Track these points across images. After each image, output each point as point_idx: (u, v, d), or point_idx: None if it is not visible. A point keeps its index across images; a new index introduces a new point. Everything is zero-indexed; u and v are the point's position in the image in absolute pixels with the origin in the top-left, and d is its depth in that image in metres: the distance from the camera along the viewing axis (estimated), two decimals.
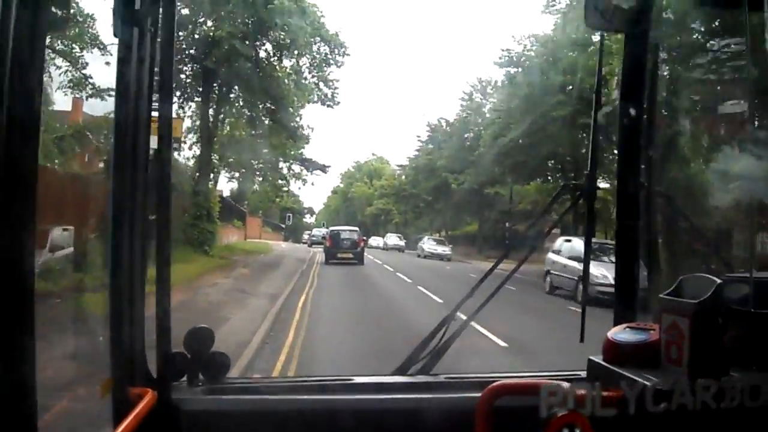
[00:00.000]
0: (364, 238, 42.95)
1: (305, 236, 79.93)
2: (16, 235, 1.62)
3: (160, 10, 2.63)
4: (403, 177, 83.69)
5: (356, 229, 41.89)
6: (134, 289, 2.66)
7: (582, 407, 1.91)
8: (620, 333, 2.34)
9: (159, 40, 2.65)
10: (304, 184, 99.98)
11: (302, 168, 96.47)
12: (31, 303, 1.67)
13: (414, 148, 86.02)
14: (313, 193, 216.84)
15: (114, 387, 2.58)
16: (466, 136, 63.89)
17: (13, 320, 1.62)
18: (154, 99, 2.70)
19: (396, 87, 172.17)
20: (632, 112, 3.27)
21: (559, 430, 1.92)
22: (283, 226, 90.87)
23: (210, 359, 2.89)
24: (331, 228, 44.55)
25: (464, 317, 3.30)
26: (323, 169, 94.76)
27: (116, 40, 2.58)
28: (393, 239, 68.90)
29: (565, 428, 1.92)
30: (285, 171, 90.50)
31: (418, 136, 76.81)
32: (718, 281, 2.11)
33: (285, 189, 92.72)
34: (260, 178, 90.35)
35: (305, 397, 2.96)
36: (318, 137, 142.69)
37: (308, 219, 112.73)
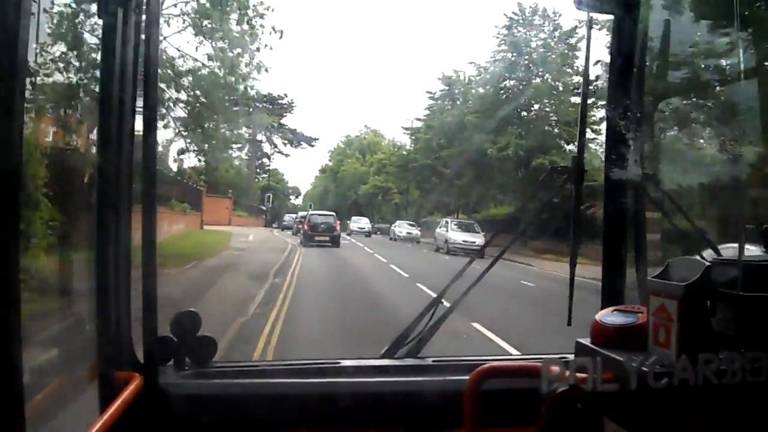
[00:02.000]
0: (339, 221, 44.08)
1: (286, 218, 69.01)
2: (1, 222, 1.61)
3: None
4: (409, 146, 70.26)
5: (333, 213, 44.17)
6: (120, 274, 2.65)
7: (583, 384, 1.92)
8: (608, 316, 2.34)
9: (144, 18, 2.62)
10: (286, 158, 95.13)
11: (285, 141, 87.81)
12: (16, 287, 1.65)
13: (423, 107, 72.29)
14: (300, 171, 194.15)
15: (101, 372, 2.57)
16: (505, 84, 47.68)
17: None
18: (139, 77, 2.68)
19: (389, 53, 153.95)
20: (621, 94, 3.27)
21: (560, 405, 1.92)
22: (264, 208, 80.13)
23: (197, 343, 2.89)
24: (310, 212, 45.56)
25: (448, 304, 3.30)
26: (310, 142, 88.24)
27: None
28: (404, 228, 54.05)
29: (565, 402, 1.92)
30: (265, 143, 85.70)
31: (429, 92, 62.24)
32: (707, 264, 2.11)
33: (266, 167, 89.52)
34: (233, 152, 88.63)
35: (293, 380, 2.95)
36: (304, 110, 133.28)
37: (294, 200, 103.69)
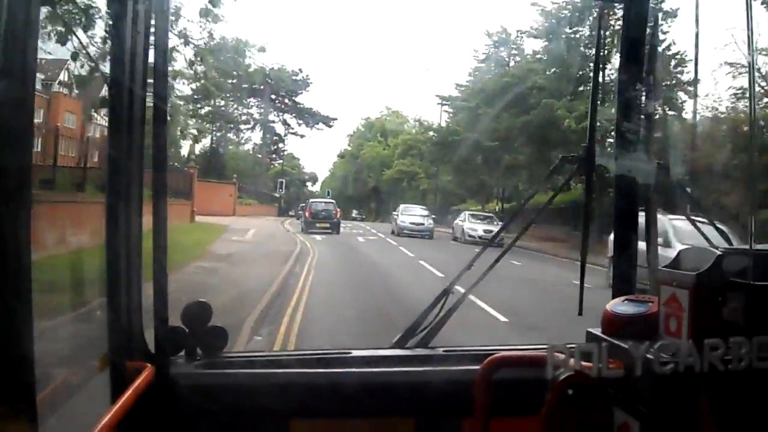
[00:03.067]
0: (338, 209, 45.41)
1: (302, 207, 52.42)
2: (13, 213, 1.61)
3: None
4: (444, 121, 60.06)
5: (333, 201, 46.52)
6: (131, 264, 2.65)
7: (588, 370, 1.92)
8: (619, 305, 2.33)
9: (154, 5, 2.62)
10: (301, 138, 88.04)
11: (299, 120, 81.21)
12: (28, 277, 1.66)
13: (466, 72, 68.88)
14: (317, 155, 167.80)
15: (112, 362, 2.58)
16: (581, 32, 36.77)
17: (10, 295, 1.61)
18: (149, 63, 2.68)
19: (409, 28, 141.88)
20: (632, 82, 3.25)
21: (565, 390, 1.92)
22: (277, 195, 72.55)
23: (208, 334, 2.89)
24: (311, 200, 46.80)
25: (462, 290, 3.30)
26: (327, 122, 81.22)
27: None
28: (411, 213, 42.34)
29: (570, 388, 1.92)
30: (278, 123, 79.82)
31: (476, 51, 57.26)
32: (718, 253, 2.10)
33: (280, 151, 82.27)
34: (242, 133, 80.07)
35: (304, 370, 2.96)
36: (321, 88, 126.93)
37: (311, 187, 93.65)
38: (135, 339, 2.71)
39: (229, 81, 70.35)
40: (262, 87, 74.26)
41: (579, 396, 1.93)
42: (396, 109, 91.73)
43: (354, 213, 75.39)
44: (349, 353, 3.12)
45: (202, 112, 67.28)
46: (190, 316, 2.87)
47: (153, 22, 2.63)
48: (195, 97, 61.59)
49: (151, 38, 2.64)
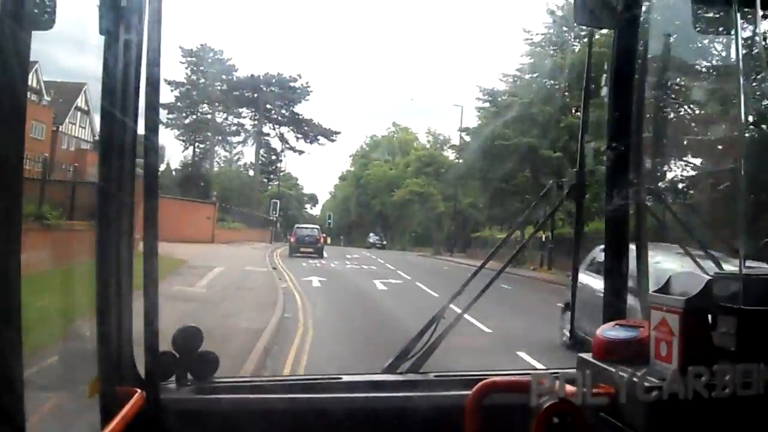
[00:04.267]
0: (324, 235, 47.75)
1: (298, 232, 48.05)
2: (2, 231, 1.61)
3: (146, 4, 2.61)
4: (480, 122, 47.95)
5: (317, 227, 48.34)
6: (122, 288, 2.65)
7: (572, 397, 1.91)
8: (610, 330, 2.33)
9: (146, 33, 2.63)
10: (300, 155, 77.25)
11: (298, 134, 73.02)
12: (17, 301, 1.66)
13: (518, 59, 57.50)
14: (318, 175, 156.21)
15: (102, 387, 2.57)
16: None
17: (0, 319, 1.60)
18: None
19: (418, 37, 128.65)
20: (622, 108, 3.27)
21: (549, 419, 1.92)
22: (273, 218, 62.78)
23: (198, 358, 2.88)
24: (296, 225, 48.29)
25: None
26: (329, 136, 73.31)
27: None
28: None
29: (554, 417, 1.92)
30: (274, 138, 71.98)
31: (527, 36, 43.46)
32: (708, 278, 2.11)
33: (276, 169, 74.16)
34: (236, 147, 71.37)
35: (295, 396, 2.95)
36: (322, 99, 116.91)
37: (310, 210, 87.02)
38: (125, 364, 2.70)
39: (218, 86, 66.59)
40: (255, 95, 68.19)
41: (564, 424, 1.93)
42: (404, 125, 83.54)
43: (372, 237, 69.29)
44: (340, 378, 3.11)
45: (187, 122, 63.04)
46: (180, 341, 2.86)
47: (144, 53, 2.64)
48: (178, 105, 59.99)
49: (143, 71, 2.64)
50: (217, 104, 67.62)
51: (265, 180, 74.85)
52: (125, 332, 2.69)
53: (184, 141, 63.90)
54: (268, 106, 70.87)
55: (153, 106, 2.68)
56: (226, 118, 71.12)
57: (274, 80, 68.96)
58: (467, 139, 52.84)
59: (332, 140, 75.33)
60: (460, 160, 54.98)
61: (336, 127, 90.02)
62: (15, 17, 1.64)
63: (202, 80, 65.50)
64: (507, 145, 38.99)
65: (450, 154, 68.12)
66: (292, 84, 70.71)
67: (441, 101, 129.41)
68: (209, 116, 68.02)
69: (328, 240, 60.42)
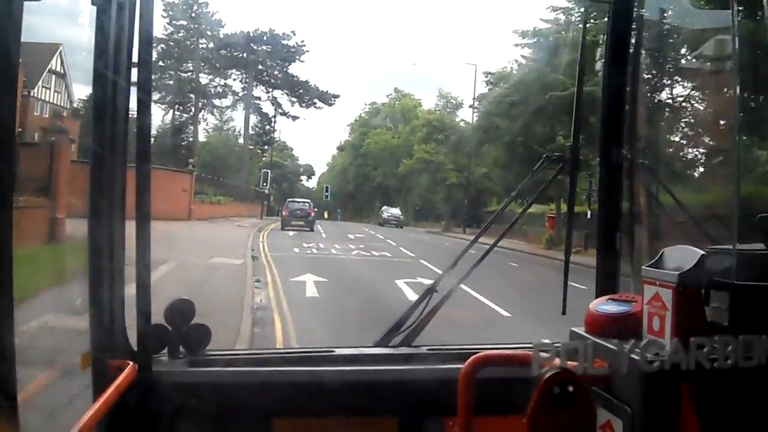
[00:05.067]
0: (315, 209, 46.98)
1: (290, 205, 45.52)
2: None
3: None
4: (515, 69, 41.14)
5: (308, 201, 47.42)
6: (114, 262, 2.63)
7: (573, 369, 1.91)
8: (603, 304, 2.33)
9: (138, 10, 2.60)
10: (294, 121, 65.37)
11: (292, 98, 63.63)
12: (8, 276, 1.65)
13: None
14: (315, 144, 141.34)
15: (94, 359, 2.57)
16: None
17: None
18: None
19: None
20: (616, 82, 3.26)
21: (551, 388, 1.92)
22: (265, 191, 56.79)
23: (190, 332, 2.88)
24: (288, 200, 48.60)
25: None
26: (327, 100, 63.22)
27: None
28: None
29: (556, 386, 1.92)
30: (266, 102, 62.76)
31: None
32: (701, 253, 2.11)
33: (270, 137, 64.85)
34: (224, 112, 62.17)
35: (287, 368, 2.95)
36: (319, 60, 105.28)
37: (306, 182, 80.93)
38: (117, 337, 2.69)
39: (203, 45, 59.50)
40: (245, 54, 60.62)
41: (564, 394, 1.93)
42: (407, 91, 75.05)
43: (386, 212, 57.15)
44: (333, 351, 3.12)
45: (169, 83, 56.78)
46: (173, 314, 2.86)
47: (138, 12, 2.61)
48: (158, 64, 52.41)
49: (136, 30, 2.61)
50: (202, 64, 61.25)
51: (259, 151, 68.02)
52: (117, 305, 2.68)
53: (163, 105, 57.14)
54: (260, 67, 63.36)
55: (145, 66, 2.65)
56: (213, 80, 63.87)
57: (266, 37, 61.54)
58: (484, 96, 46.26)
59: (330, 104, 65.96)
60: (475, 119, 49.16)
61: (334, 89, 75.58)
62: None
63: (185, 36, 59.65)
64: (560, 96, 28.68)
65: (463, 118, 61.90)
66: (285, 41, 62.57)
67: (449, 63, 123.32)
68: (192, 75, 61.49)
69: (325, 214, 59.41)
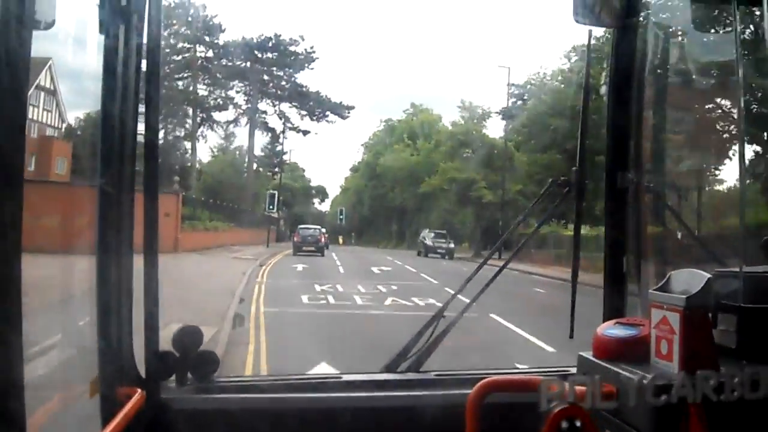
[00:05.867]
0: (326, 234, 46.75)
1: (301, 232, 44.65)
2: (2, 232, 1.60)
3: (147, 2, 2.61)
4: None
5: (319, 227, 47.46)
6: (122, 288, 2.64)
7: (581, 401, 1.91)
8: (610, 328, 2.33)
9: (146, 33, 2.63)
10: (305, 136, 59.27)
11: (302, 111, 57.82)
12: (18, 301, 1.65)
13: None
14: (325, 162, 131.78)
15: (102, 387, 2.57)
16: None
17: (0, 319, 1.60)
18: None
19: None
20: (621, 107, 3.27)
21: (559, 423, 1.92)
22: (271, 214, 51.83)
23: (199, 358, 2.88)
24: (299, 226, 48.17)
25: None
26: (340, 112, 57.96)
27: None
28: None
29: (564, 421, 1.92)
30: (270, 115, 57.06)
31: None
32: (708, 276, 2.11)
33: (278, 155, 58.62)
34: (224, 127, 54.82)
35: (295, 395, 2.95)
36: (329, 68, 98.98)
37: (319, 205, 76.94)
38: (126, 364, 2.70)
39: (201, 53, 53.49)
40: (247, 64, 54.40)
41: (573, 429, 1.93)
42: (425, 106, 69.66)
43: (429, 237, 47.29)
44: (340, 378, 3.12)
45: (162, 91, 52.91)
46: (180, 341, 2.86)
47: (145, 41, 2.64)
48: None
49: (142, 69, 2.64)
50: (201, 74, 54.98)
51: (269, 173, 63.34)
52: (126, 332, 2.69)
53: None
54: (265, 77, 57.21)
55: (153, 104, 2.68)
56: (213, 91, 57.63)
57: (271, 44, 55.77)
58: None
59: (345, 117, 60.03)
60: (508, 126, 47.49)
61: (348, 100, 71.16)
62: (16, 17, 1.64)
63: (180, 44, 52.84)
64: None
65: (491, 129, 58.15)
66: (292, 48, 56.71)
67: (472, 71, 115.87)
68: (189, 87, 55.07)
69: (340, 240, 57.99)
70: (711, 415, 1.92)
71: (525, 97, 47.86)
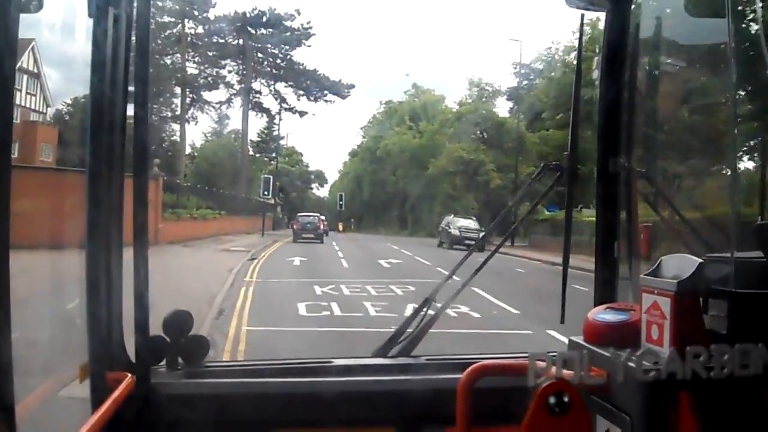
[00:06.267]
0: (325, 221, 46.44)
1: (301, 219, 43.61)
2: None
3: None
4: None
5: (318, 215, 46.44)
6: (111, 273, 2.63)
7: (569, 378, 1.91)
8: (601, 313, 2.33)
9: (135, 15, 2.61)
10: (302, 117, 55.38)
11: (298, 90, 54.25)
12: (6, 286, 1.64)
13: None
14: (323, 145, 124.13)
15: (92, 372, 2.56)
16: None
17: None
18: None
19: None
20: (613, 91, 3.26)
21: (546, 399, 1.92)
22: (267, 200, 48.43)
23: (189, 343, 2.88)
24: (299, 214, 47.61)
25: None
26: (340, 91, 54.17)
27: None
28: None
29: (552, 397, 1.92)
30: (265, 95, 53.36)
31: None
32: (699, 261, 2.11)
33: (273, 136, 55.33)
34: (216, 108, 51.13)
35: (285, 379, 2.95)
36: (327, 45, 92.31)
37: (318, 191, 72.66)
38: (115, 349, 2.69)
39: (190, 29, 48.92)
40: (240, 41, 50.23)
41: (560, 404, 1.93)
42: (427, 87, 65.32)
43: (454, 226, 39.22)
44: (330, 362, 3.11)
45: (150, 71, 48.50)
46: (170, 326, 2.85)
47: (134, 24, 2.62)
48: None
49: (132, 51, 2.63)
50: (190, 52, 50.62)
51: (266, 159, 59.36)
52: (115, 316, 2.68)
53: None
54: (259, 55, 53.52)
55: (143, 84, 2.66)
56: (203, 70, 53.18)
57: (264, 18, 51.43)
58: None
59: (344, 96, 55.87)
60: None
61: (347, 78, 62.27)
62: (2, 1, 1.62)
63: (167, 18, 48.09)
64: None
65: (501, 108, 52.78)
66: (287, 23, 52.03)
67: (478, 47, 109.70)
68: (178, 64, 50.71)
69: (340, 226, 56.26)
70: (700, 399, 1.93)
71: (536, 76, 45.88)
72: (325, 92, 55.05)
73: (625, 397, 2.01)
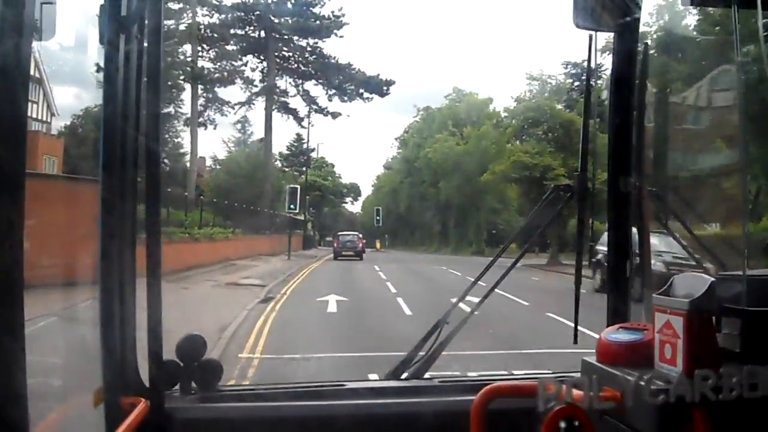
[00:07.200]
0: (363, 239, 48.60)
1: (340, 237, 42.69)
2: (3, 238, 1.60)
3: (146, 13, 2.62)
4: None
5: (357, 233, 49.24)
6: (125, 297, 2.65)
7: (579, 402, 1.91)
8: (614, 333, 2.33)
9: (146, 44, 2.64)
10: (334, 119, 48.79)
11: (330, 88, 47.49)
12: (20, 311, 1.65)
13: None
14: (357, 157, 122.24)
15: (106, 396, 2.57)
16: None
17: (2, 329, 1.60)
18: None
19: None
20: (623, 111, 3.27)
21: (557, 423, 1.91)
22: (301, 216, 44.35)
23: (202, 367, 2.88)
24: (339, 233, 49.57)
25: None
26: (379, 88, 46.67)
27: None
28: None
29: (562, 421, 1.92)
30: (291, 96, 47.32)
31: None
32: (711, 279, 2.10)
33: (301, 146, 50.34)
34: (234, 110, 45.85)
35: (299, 403, 2.95)
36: (361, 36, 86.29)
37: (351, 206, 70.30)
38: (129, 373, 2.70)
39: (205, 17, 41.62)
40: (261, 32, 44.02)
41: (571, 429, 1.93)
42: (470, 90, 61.34)
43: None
44: (343, 385, 3.11)
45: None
46: (184, 350, 2.86)
47: (145, 60, 2.64)
48: None
49: (143, 79, 2.65)
50: (205, 46, 43.40)
51: (296, 173, 53.27)
52: (129, 341, 2.69)
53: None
54: (284, 50, 45.82)
55: (154, 113, 2.68)
56: (218, 66, 45.89)
57: (289, 5, 44.07)
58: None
59: (384, 94, 47.88)
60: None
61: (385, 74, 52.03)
62: (15, 28, 1.65)
63: (175, 5, 40.70)
64: None
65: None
66: (315, 10, 44.35)
67: (536, 37, 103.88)
68: (188, 58, 42.92)
69: (377, 244, 56.50)
70: (715, 419, 1.92)
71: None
72: (361, 90, 48.29)
73: (638, 417, 2.00)
